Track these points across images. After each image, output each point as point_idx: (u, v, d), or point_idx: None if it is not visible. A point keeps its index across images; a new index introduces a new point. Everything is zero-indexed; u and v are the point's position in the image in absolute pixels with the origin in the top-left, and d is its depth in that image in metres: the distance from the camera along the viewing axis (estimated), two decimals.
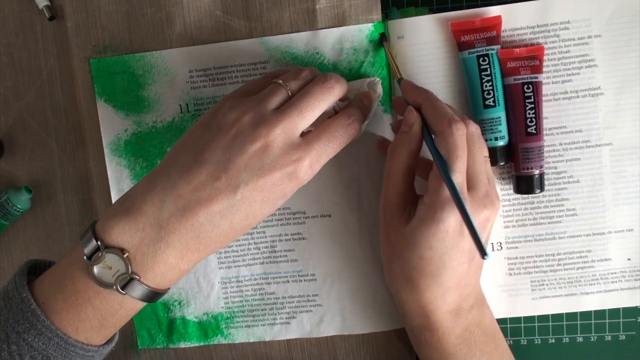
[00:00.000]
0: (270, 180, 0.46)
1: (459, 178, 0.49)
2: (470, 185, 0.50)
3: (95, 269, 0.45)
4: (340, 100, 0.53)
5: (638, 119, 0.58)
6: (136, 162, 0.61)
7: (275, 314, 0.63)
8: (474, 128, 0.51)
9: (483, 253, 0.46)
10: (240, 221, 0.47)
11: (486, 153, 0.53)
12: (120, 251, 0.45)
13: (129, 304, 0.47)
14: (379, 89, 0.58)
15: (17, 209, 0.61)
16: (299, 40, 0.59)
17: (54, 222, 0.64)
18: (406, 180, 0.53)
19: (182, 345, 0.64)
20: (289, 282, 0.62)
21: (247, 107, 0.48)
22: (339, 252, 0.61)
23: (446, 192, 0.49)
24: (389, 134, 0.60)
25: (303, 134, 0.49)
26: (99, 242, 0.45)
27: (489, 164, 0.53)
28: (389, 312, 0.61)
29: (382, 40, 0.58)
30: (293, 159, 0.47)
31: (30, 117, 0.63)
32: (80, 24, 0.61)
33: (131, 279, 0.45)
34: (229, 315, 0.63)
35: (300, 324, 0.63)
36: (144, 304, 0.48)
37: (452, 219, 0.49)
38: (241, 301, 0.63)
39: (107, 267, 0.45)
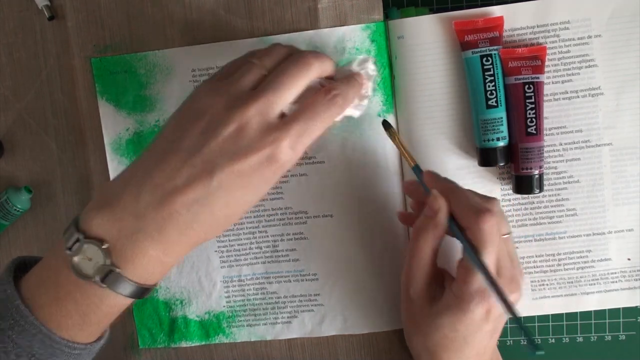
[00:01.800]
0: (247, 164, 0.44)
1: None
2: (498, 272, 0.51)
3: (75, 260, 0.44)
4: (328, 78, 0.51)
5: (638, 119, 0.58)
6: None
7: (277, 313, 0.63)
8: (498, 209, 0.52)
9: (535, 349, 0.46)
10: (221, 209, 0.45)
11: (507, 230, 0.53)
12: (100, 242, 0.44)
13: (111, 300, 0.45)
14: (371, 67, 0.53)
15: (17, 209, 0.61)
16: (300, 40, 0.59)
17: (54, 222, 0.64)
18: (431, 261, 0.53)
19: (184, 344, 0.64)
20: (290, 281, 0.62)
21: (221, 90, 0.46)
22: (340, 252, 0.61)
23: (475, 284, 0.50)
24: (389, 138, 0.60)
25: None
26: (79, 234, 0.44)
27: (510, 242, 0.54)
28: (390, 312, 0.62)
29: (387, 128, 0.57)
30: (270, 140, 0.44)
31: (30, 117, 0.63)
32: (81, 24, 0.61)
33: (111, 271, 0.44)
34: (230, 314, 0.63)
35: (302, 323, 0.63)
36: (127, 300, 0.46)
37: (479, 310, 0.50)
38: (243, 300, 0.63)
39: (86, 258, 0.44)
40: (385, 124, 0.57)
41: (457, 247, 0.53)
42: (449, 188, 0.53)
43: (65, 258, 0.44)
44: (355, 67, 0.52)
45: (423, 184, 0.54)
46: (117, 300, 0.46)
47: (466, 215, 0.51)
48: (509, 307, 0.48)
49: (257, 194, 0.46)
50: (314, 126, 0.46)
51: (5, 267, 0.48)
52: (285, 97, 0.46)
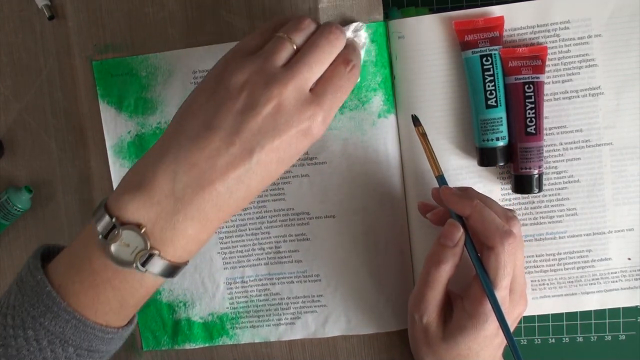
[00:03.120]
0: (286, 140, 0.45)
1: (502, 293, 0.51)
2: (510, 288, 0.52)
3: (113, 248, 0.43)
4: None
5: (638, 118, 0.58)
6: None
7: (280, 315, 0.63)
8: (517, 230, 0.52)
9: None
10: (257, 184, 0.45)
11: (523, 248, 0.55)
12: (137, 227, 0.43)
13: (150, 282, 0.45)
14: (363, 36, 0.56)
15: (18, 209, 0.61)
16: None
17: (54, 222, 0.64)
18: (445, 288, 0.54)
19: (187, 346, 0.63)
20: (293, 282, 0.62)
21: (255, 66, 0.46)
22: (342, 253, 0.61)
23: (489, 305, 0.51)
24: (391, 139, 0.60)
25: None
26: (113, 220, 0.43)
27: (523, 258, 0.55)
28: (392, 313, 0.62)
29: (417, 125, 0.56)
30: (307, 116, 0.45)
31: (30, 117, 0.63)
32: (82, 23, 0.60)
33: (151, 255, 0.43)
34: (234, 316, 0.63)
35: (305, 324, 0.63)
36: (164, 280, 0.46)
37: (492, 326, 0.51)
38: (246, 301, 0.63)
39: (124, 244, 0.43)
40: (415, 120, 0.56)
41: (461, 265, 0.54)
42: (473, 206, 0.52)
43: (99, 245, 0.44)
44: (350, 34, 0.54)
45: (448, 207, 0.54)
46: (155, 282, 0.46)
47: (491, 238, 0.51)
48: (509, 337, 0.50)
49: (288, 165, 0.47)
50: (339, 98, 0.48)
51: (32, 254, 0.47)
52: (318, 72, 0.47)
